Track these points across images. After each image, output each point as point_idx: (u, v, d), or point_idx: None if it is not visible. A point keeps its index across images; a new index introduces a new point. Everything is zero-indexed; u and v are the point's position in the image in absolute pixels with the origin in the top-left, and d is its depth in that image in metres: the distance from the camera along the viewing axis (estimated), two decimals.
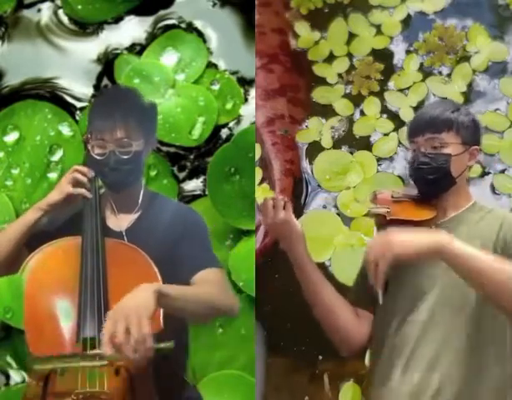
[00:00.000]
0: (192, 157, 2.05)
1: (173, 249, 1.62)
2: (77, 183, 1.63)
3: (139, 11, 2.15)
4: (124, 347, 1.32)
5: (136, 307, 1.33)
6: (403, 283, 1.54)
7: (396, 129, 2.24)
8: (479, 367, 1.46)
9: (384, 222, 1.56)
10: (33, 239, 1.62)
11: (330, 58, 2.40)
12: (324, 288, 1.60)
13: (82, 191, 1.63)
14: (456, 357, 1.47)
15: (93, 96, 2.07)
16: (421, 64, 2.35)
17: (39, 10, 2.15)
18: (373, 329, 1.60)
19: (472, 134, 1.61)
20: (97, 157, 1.62)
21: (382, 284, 1.39)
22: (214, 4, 2.16)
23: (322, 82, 2.37)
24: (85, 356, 1.43)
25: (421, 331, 1.50)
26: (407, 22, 2.42)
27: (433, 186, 1.59)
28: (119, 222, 1.67)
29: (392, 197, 1.63)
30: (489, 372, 1.47)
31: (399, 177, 2.19)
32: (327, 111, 2.33)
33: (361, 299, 1.62)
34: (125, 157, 1.62)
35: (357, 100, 2.33)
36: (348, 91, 2.35)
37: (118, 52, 2.12)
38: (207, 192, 1.98)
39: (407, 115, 2.26)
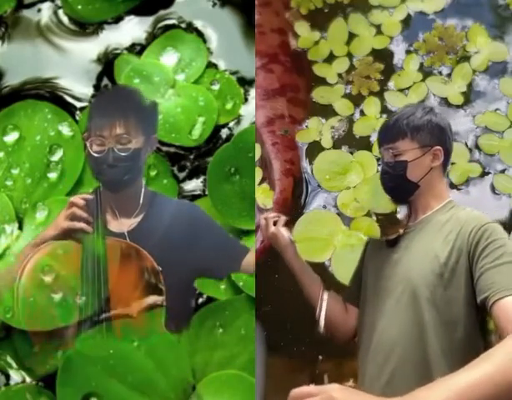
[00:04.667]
0: (192, 157, 2.05)
1: (187, 249, 1.61)
2: (75, 218, 1.60)
3: (139, 11, 2.15)
4: None
5: None
6: (376, 287, 1.60)
7: None
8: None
9: None
10: None
11: (330, 58, 2.40)
12: (313, 283, 1.75)
13: (81, 225, 1.60)
14: (404, 355, 1.49)
15: (93, 96, 2.06)
16: (421, 64, 2.35)
17: (39, 10, 2.15)
18: (358, 323, 1.68)
19: (430, 136, 1.63)
20: (96, 155, 1.62)
21: None
22: (214, 4, 2.16)
23: (322, 82, 2.37)
24: None
25: (383, 330, 1.54)
26: (407, 22, 2.42)
27: (395, 193, 1.69)
28: (121, 224, 1.67)
29: None
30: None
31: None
32: (327, 111, 2.33)
33: (349, 295, 1.74)
34: (124, 154, 1.62)
35: (357, 100, 2.33)
36: (348, 91, 2.35)
37: (118, 52, 2.12)
38: (207, 192, 1.98)
39: None
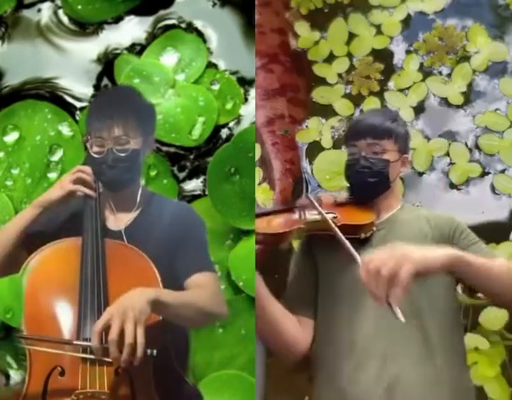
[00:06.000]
0: (192, 157, 2.05)
1: (172, 250, 1.63)
2: (80, 182, 1.63)
3: (139, 11, 2.15)
4: (113, 347, 1.34)
5: (134, 311, 1.35)
6: (347, 288, 1.58)
7: None
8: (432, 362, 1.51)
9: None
10: (31, 240, 1.62)
11: (330, 58, 2.40)
12: (268, 302, 1.59)
13: (85, 190, 1.63)
14: (408, 353, 1.51)
15: (93, 96, 2.06)
16: (421, 64, 2.36)
17: (39, 10, 2.15)
18: (315, 333, 1.63)
19: (405, 144, 1.74)
20: (96, 156, 1.63)
21: (399, 300, 1.29)
22: (214, 4, 2.16)
23: (322, 82, 2.37)
24: (77, 345, 1.43)
25: (372, 328, 1.53)
26: (407, 22, 2.42)
27: (371, 189, 1.68)
28: (118, 221, 1.68)
29: (335, 201, 1.71)
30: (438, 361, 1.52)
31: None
32: (327, 111, 2.33)
33: (299, 307, 1.65)
34: (123, 154, 1.63)
35: (357, 100, 2.33)
36: (348, 91, 2.35)
37: (118, 52, 2.12)
38: (207, 192, 1.98)
39: (407, 115, 2.26)
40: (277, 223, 1.59)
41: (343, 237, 1.50)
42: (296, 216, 1.64)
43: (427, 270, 1.34)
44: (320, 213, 1.60)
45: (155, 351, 1.37)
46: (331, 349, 1.58)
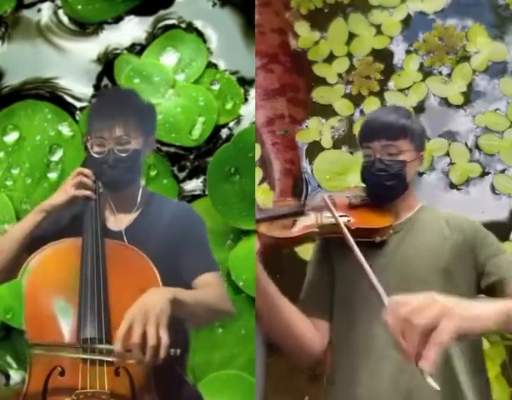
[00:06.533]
0: (192, 157, 2.05)
1: (174, 250, 1.63)
2: (82, 186, 1.63)
3: (139, 11, 2.15)
4: (137, 350, 1.34)
5: (155, 312, 1.36)
6: (362, 293, 1.52)
7: None
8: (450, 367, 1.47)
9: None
10: (34, 243, 1.62)
11: (330, 58, 2.40)
12: (282, 303, 1.55)
13: (88, 193, 1.63)
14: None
15: (93, 96, 2.06)
16: (421, 64, 2.36)
17: (39, 10, 2.14)
18: (331, 335, 1.60)
19: (421, 141, 1.67)
20: (97, 156, 1.64)
21: (433, 365, 1.04)
22: (214, 4, 2.16)
23: (322, 82, 2.37)
24: (86, 348, 1.43)
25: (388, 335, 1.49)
26: (407, 22, 2.42)
27: (389, 192, 1.62)
28: (118, 222, 1.68)
29: (350, 203, 1.63)
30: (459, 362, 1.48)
31: None
32: (327, 111, 2.33)
33: (315, 309, 1.61)
34: (123, 155, 1.63)
35: (357, 100, 2.33)
36: (348, 91, 2.35)
37: (118, 52, 2.12)
38: (207, 192, 1.98)
39: None
40: (290, 227, 1.55)
41: (359, 253, 1.38)
42: (310, 219, 1.58)
43: (473, 329, 1.09)
44: (334, 216, 1.53)
45: (179, 350, 1.37)
46: (347, 355, 1.54)
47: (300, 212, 1.60)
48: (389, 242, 1.59)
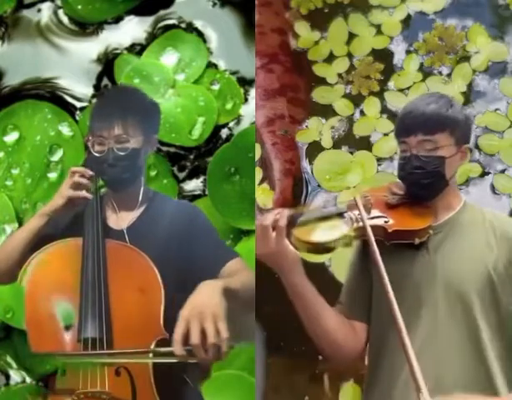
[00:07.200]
0: (192, 157, 2.05)
1: (182, 248, 1.62)
2: (77, 186, 1.63)
3: (139, 11, 2.15)
4: (198, 350, 1.33)
5: (211, 307, 1.35)
6: (402, 295, 1.47)
7: None
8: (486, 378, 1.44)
9: (384, 236, 1.48)
10: (36, 246, 1.62)
11: (330, 58, 2.40)
12: (324, 311, 1.51)
13: (83, 193, 1.63)
14: (460, 373, 1.44)
15: (93, 96, 2.06)
16: (421, 64, 2.35)
17: (39, 10, 2.15)
18: (369, 337, 1.57)
19: (465, 133, 1.55)
20: (97, 155, 1.64)
21: None
22: (214, 4, 2.16)
23: (322, 82, 2.37)
24: (90, 355, 1.43)
25: (422, 344, 1.45)
26: (407, 22, 2.42)
27: (427, 190, 1.52)
28: (120, 220, 1.68)
29: (387, 202, 1.54)
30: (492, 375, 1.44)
31: None
32: (327, 111, 2.33)
33: (354, 312, 1.58)
34: (122, 153, 1.63)
35: (357, 100, 2.33)
36: (348, 91, 2.35)
37: (118, 52, 2.12)
38: (207, 192, 1.98)
39: None
40: (322, 232, 1.47)
41: (382, 269, 1.36)
42: (344, 222, 1.50)
43: None
44: (365, 219, 1.46)
45: (242, 341, 1.37)
46: (386, 356, 1.52)
47: (335, 215, 1.53)
48: (428, 244, 1.52)
